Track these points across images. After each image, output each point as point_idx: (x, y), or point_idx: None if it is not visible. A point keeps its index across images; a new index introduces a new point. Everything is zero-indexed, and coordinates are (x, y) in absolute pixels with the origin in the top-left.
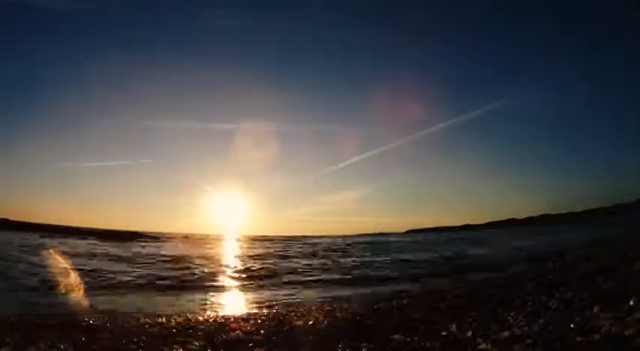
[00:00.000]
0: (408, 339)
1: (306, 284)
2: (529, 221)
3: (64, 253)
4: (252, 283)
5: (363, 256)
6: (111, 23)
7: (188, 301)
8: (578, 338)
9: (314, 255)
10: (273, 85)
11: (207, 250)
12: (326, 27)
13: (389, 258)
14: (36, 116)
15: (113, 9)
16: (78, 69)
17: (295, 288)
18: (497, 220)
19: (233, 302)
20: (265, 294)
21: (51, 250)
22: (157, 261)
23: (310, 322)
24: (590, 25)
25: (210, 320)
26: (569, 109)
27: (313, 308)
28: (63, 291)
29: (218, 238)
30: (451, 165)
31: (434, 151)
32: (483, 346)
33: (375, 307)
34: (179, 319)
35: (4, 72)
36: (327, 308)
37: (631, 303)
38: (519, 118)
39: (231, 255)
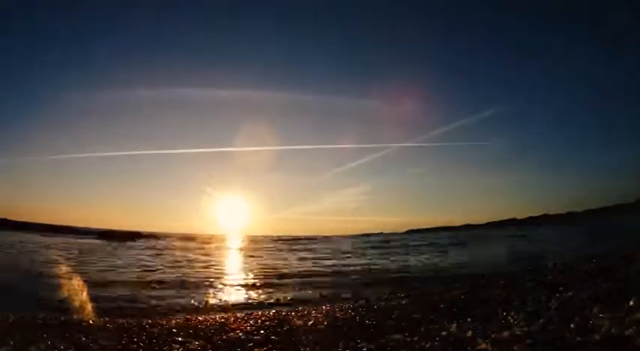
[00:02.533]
0: (408, 339)
1: None
2: (529, 221)
3: (64, 254)
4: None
5: None
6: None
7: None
8: (578, 338)
9: None
10: (275, 85)
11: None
12: (329, 29)
13: None
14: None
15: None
16: (76, 59)
17: None
18: (497, 220)
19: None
20: None
21: (52, 251)
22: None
23: (310, 322)
24: (589, 25)
25: (210, 320)
26: (569, 109)
27: (313, 308)
28: (64, 291)
29: (222, 239)
30: (452, 165)
31: (435, 152)
32: (483, 346)
33: (375, 307)
34: (179, 319)
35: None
36: (327, 308)
37: (631, 303)
38: (520, 119)
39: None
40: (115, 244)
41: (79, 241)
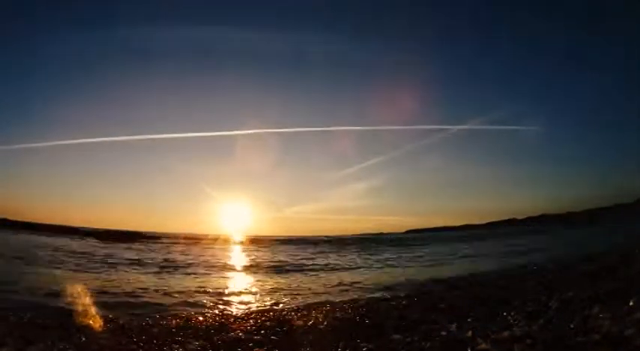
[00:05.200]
0: (408, 339)
1: None
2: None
3: (66, 253)
4: None
5: None
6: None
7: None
8: (578, 338)
9: None
10: (275, 85)
11: None
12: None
13: None
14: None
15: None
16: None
17: None
18: (497, 220)
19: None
20: None
21: (53, 251)
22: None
23: (310, 322)
24: (589, 25)
25: (210, 320)
26: (568, 109)
27: (313, 308)
28: (64, 291)
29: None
30: (452, 166)
31: (435, 153)
32: (483, 346)
33: (375, 307)
34: (179, 319)
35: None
36: (327, 308)
37: (631, 303)
38: (520, 120)
39: None
40: (112, 245)
41: (78, 241)
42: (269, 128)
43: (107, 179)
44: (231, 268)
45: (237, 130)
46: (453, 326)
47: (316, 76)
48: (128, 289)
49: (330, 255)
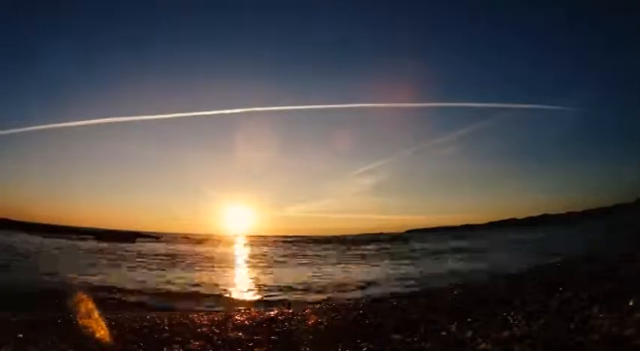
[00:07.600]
0: (408, 339)
1: None
2: (528, 221)
3: (64, 255)
4: None
5: None
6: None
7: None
8: (578, 338)
9: None
10: (276, 84)
11: None
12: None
13: None
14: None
15: None
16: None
17: None
18: (497, 220)
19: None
20: None
21: (53, 250)
22: None
23: (310, 322)
24: (590, 25)
25: (210, 320)
26: (568, 109)
27: (313, 308)
28: (64, 291)
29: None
30: (451, 165)
31: (435, 153)
32: (483, 346)
33: (375, 307)
34: (179, 319)
35: None
36: (327, 308)
37: (631, 303)
38: (520, 120)
39: None
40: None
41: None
42: (265, 106)
43: (95, 164)
44: None
45: (234, 108)
46: (453, 326)
47: (319, 72)
48: None
49: None
